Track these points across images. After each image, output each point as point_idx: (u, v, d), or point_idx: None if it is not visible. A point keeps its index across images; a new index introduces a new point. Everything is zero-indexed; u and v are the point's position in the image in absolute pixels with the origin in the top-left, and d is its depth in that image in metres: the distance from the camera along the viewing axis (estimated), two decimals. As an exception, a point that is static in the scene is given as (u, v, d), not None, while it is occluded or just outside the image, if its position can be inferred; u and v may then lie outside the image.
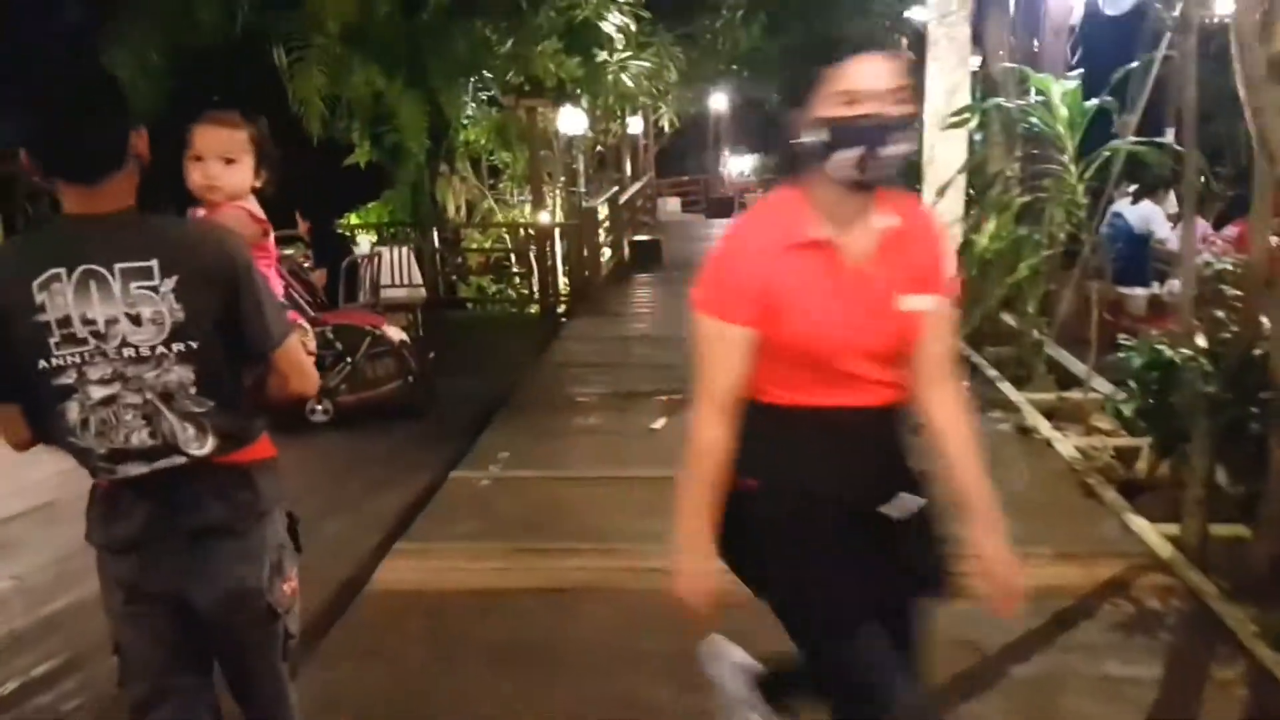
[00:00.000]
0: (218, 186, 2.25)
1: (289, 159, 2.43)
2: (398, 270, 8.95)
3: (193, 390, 1.78)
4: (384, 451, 5.76)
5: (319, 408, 6.28)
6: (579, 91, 11.78)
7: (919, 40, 12.18)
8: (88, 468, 1.84)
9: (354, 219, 12.57)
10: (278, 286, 2.29)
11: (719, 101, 21.28)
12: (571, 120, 12.03)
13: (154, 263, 1.71)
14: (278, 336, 1.86)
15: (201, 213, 2.29)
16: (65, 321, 1.69)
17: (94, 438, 1.77)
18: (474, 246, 12.64)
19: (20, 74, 1.76)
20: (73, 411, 1.75)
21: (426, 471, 5.26)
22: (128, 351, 1.73)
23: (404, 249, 9.06)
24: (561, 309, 10.67)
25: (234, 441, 1.86)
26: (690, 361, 1.79)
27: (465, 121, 11.82)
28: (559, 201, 12.96)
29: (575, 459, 5.12)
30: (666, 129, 17.67)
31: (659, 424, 5.52)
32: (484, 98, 12.03)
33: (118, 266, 1.70)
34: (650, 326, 9.09)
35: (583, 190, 13.41)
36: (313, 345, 2.36)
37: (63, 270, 1.68)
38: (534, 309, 11.09)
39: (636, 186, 15.87)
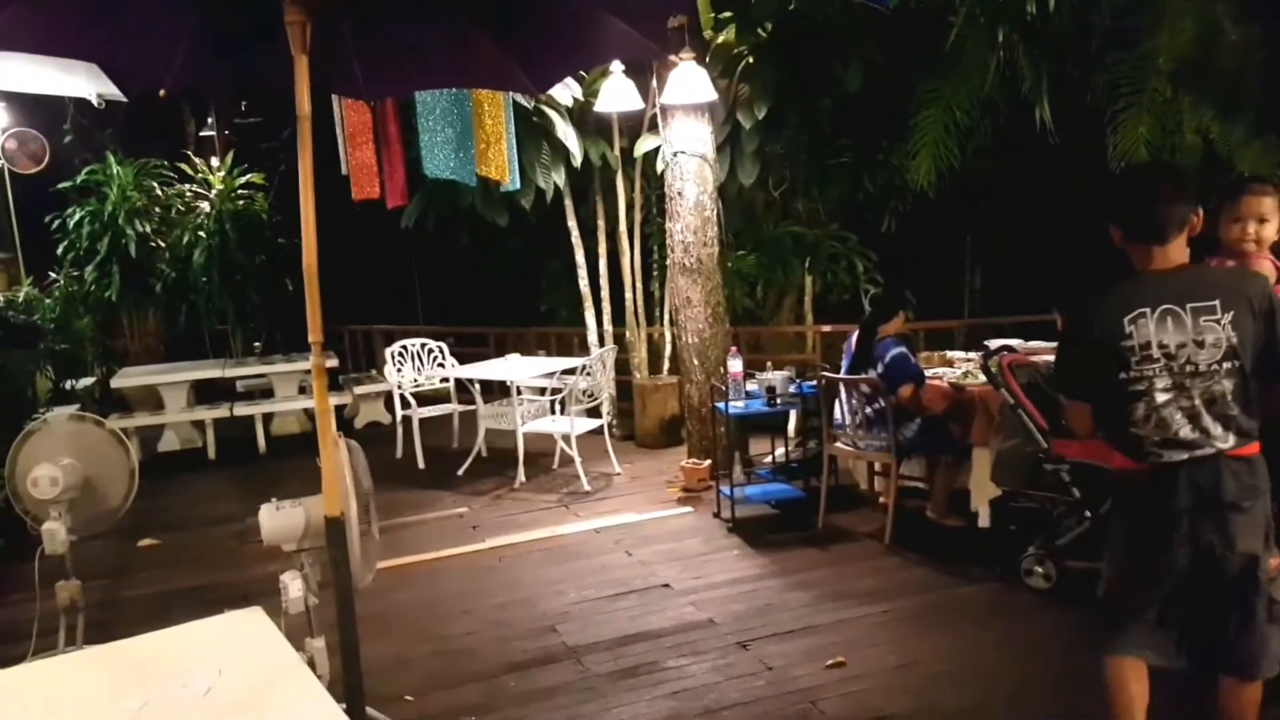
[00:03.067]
0: (1256, 241, 3.19)
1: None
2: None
3: (1229, 398, 2.55)
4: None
5: (1038, 569, 4.78)
6: None
7: None
8: (1136, 454, 2.66)
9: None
10: None
11: None
12: None
13: (1216, 301, 2.53)
14: None
15: (1230, 263, 3.22)
16: (1145, 346, 2.57)
17: (1152, 429, 2.60)
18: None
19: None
20: (1139, 410, 2.62)
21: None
22: (1189, 368, 2.55)
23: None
24: None
25: (1245, 438, 2.57)
26: None
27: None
28: None
29: None
30: None
31: None
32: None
33: (1189, 305, 2.54)
34: None
35: None
36: None
37: (1147, 309, 2.57)
38: None
39: None
